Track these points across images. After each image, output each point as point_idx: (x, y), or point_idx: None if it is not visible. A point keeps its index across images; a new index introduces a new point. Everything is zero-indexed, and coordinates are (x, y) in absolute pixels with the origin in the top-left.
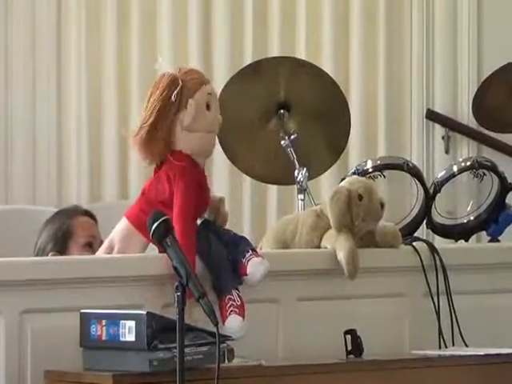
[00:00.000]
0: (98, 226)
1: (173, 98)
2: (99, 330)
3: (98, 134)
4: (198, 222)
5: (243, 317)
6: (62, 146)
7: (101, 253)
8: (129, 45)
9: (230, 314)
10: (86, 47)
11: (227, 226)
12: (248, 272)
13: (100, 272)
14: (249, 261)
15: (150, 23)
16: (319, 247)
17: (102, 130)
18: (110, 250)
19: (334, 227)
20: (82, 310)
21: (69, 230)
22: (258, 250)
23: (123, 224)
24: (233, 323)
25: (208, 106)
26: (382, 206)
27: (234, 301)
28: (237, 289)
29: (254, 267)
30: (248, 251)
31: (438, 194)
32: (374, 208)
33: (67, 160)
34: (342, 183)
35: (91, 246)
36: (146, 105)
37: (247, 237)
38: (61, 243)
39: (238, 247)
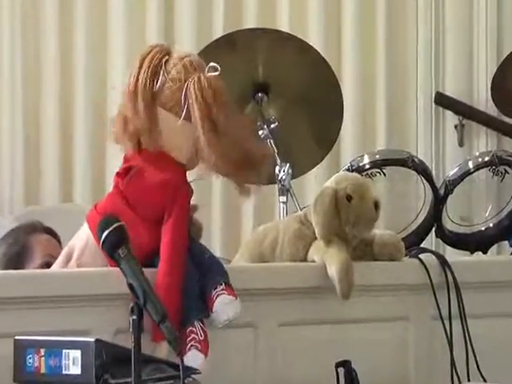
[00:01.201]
0: (61, 245)
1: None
2: (37, 361)
3: (37, 128)
4: None
5: (205, 354)
6: None
7: (58, 262)
8: (73, 16)
9: (190, 348)
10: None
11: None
12: (214, 310)
13: (38, 290)
14: (218, 296)
15: None
16: (305, 260)
17: (40, 123)
18: (69, 258)
19: (320, 238)
20: (16, 337)
21: (25, 248)
22: (231, 285)
23: (85, 229)
24: (193, 360)
25: None
26: (377, 205)
27: (197, 334)
28: (201, 320)
29: (221, 307)
30: (221, 283)
31: (450, 196)
32: (366, 210)
33: None
34: (328, 182)
35: (49, 267)
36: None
37: (218, 252)
38: (15, 262)
39: (210, 273)
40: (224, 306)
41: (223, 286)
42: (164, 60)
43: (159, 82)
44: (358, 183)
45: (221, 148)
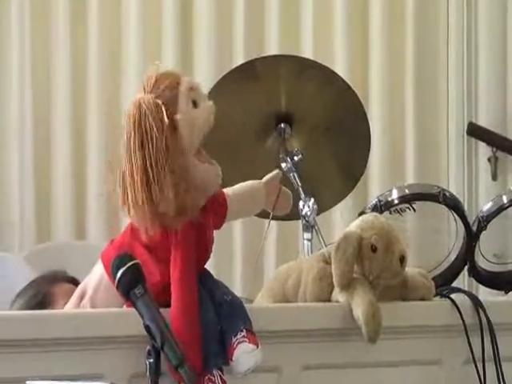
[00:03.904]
0: None
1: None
2: None
3: (48, 161)
4: None
5: None
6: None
7: (71, 302)
8: (86, 34)
9: None
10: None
11: (216, 275)
12: (234, 358)
13: (49, 332)
14: (238, 344)
15: (114, 7)
16: (329, 301)
17: (51, 155)
18: (82, 298)
19: (337, 286)
20: (28, 381)
21: (48, 298)
22: (253, 331)
23: (99, 266)
24: None
25: (195, 103)
26: (402, 260)
27: (215, 383)
28: (220, 368)
29: (242, 356)
30: (242, 330)
31: (484, 232)
32: (390, 263)
33: (7, 188)
34: (353, 225)
35: None
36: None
37: (239, 291)
38: None
39: (231, 317)
40: (245, 355)
41: (244, 333)
42: None
43: None
44: (385, 233)
45: None
